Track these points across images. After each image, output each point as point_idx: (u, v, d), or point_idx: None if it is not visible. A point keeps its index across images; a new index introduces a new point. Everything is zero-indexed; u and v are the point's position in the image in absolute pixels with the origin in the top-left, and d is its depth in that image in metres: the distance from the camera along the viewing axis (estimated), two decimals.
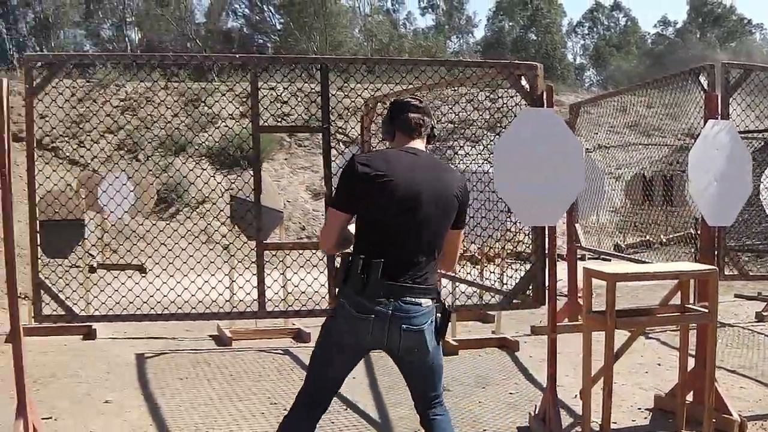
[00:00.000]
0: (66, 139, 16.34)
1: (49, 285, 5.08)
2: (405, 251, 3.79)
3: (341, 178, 3.86)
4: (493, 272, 7.71)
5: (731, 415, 5.45)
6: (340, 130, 18.52)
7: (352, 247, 3.91)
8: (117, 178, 6.89)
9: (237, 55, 5.02)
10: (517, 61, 5.32)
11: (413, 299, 3.78)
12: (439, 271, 4.12)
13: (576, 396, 6.19)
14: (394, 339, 3.78)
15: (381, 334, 3.76)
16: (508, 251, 8.17)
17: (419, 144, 3.99)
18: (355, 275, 3.75)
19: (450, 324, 8.01)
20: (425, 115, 4.01)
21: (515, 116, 5.91)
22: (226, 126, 14.89)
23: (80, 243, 8.87)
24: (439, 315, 3.92)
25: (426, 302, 3.83)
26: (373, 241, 3.81)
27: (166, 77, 18.65)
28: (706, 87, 5.55)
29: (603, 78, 53.05)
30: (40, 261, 5.16)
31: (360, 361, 4.07)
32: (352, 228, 3.97)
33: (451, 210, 3.92)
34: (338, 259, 4.01)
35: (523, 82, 5.22)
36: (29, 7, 52.42)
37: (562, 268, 5.98)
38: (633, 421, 5.75)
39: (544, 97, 5.13)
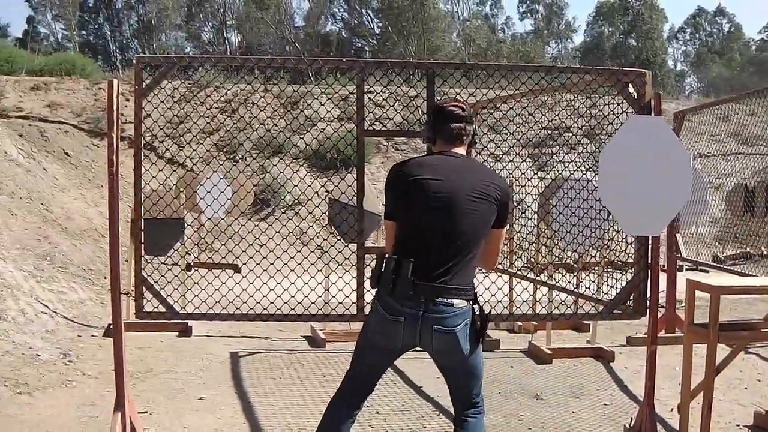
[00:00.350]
0: (165, 139, 16.77)
1: (152, 282, 5.19)
2: (438, 252, 3.80)
3: (385, 188, 4.02)
4: (593, 281, 7.60)
5: None
6: None
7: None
8: (211, 178, 7.02)
9: (344, 59, 5.07)
10: (625, 68, 5.24)
11: (445, 300, 3.77)
12: (479, 271, 4.10)
13: (672, 410, 6.07)
14: (425, 340, 3.81)
15: (413, 336, 3.81)
16: (607, 260, 8.06)
17: (461, 150, 4.02)
18: (387, 276, 3.80)
19: (546, 333, 8.05)
20: (467, 124, 4.04)
21: (611, 124, 5.85)
22: (323, 129, 15.05)
23: (181, 241, 9.09)
24: (477, 317, 3.91)
25: (459, 303, 3.81)
26: (407, 242, 3.85)
27: (265, 79, 18.95)
28: None
29: (704, 85, 51.88)
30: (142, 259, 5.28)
31: (398, 358, 4.13)
32: None
33: (489, 210, 3.90)
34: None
35: (631, 89, 5.14)
36: (133, 10, 53.94)
37: (661, 279, 5.88)
38: None
39: (652, 104, 5.05)
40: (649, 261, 5.16)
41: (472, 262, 3.92)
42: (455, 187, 3.81)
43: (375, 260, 3.95)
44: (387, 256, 3.88)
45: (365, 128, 5.05)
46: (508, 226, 4.13)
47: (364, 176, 5.26)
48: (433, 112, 4.13)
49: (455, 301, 3.79)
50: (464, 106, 4.08)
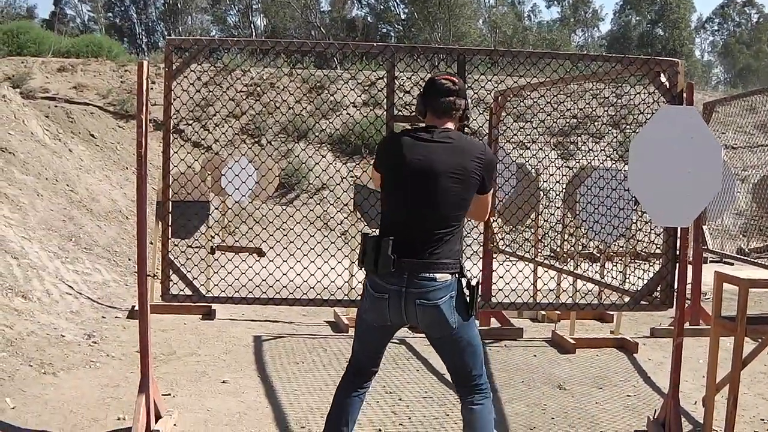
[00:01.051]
0: (190, 122, 16.80)
1: (178, 265, 5.20)
2: (418, 227, 3.85)
3: (378, 149, 4.17)
4: (620, 272, 7.56)
5: None
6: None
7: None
8: (237, 162, 7.03)
9: (374, 44, 5.04)
10: (657, 57, 5.19)
11: (427, 274, 3.82)
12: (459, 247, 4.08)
13: (696, 402, 6.04)
14: (411, 315, 3.88)
15: (398, 312, 3.88)
16: (633, 251, 8.01)
17: (449, 125, 4.03)
18: (369, 254, 3.86)
19: (570, 322, 8.02)
20: (458, 98, 4.03)
21: (641, 113, 5.80)
22: (351, 114, 15.02)
23: (206, 225, 9.11)
24: (464, 290, 3.95)
25: (442, 277, 3.85)
26: (388, 219, 3.95)
27: (292, 64, 18.96)
28: None
29: (731, 76, 51.43)
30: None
31: (394, 336, 4.22)
32: None
33: (471, 180, 3.93)
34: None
35: (663, 78, 5.09)
36: None
37: (687, 271, 5.85)
38: None
39: (684, 95, 5.00)
40: (677, 252, 5.12)
41: (455, 236, 3.95)
42: (437, 163, 3.85)
43: (360, 241, 4.02)
44: (368, 235, 3.95)
45: (394, 114, 5.03)
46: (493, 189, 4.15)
47: None
48: (425, 85, 4.12)
49: (437, 275, 3.83)
50: (456, 80, 4.08)
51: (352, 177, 9.45)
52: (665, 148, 4.71)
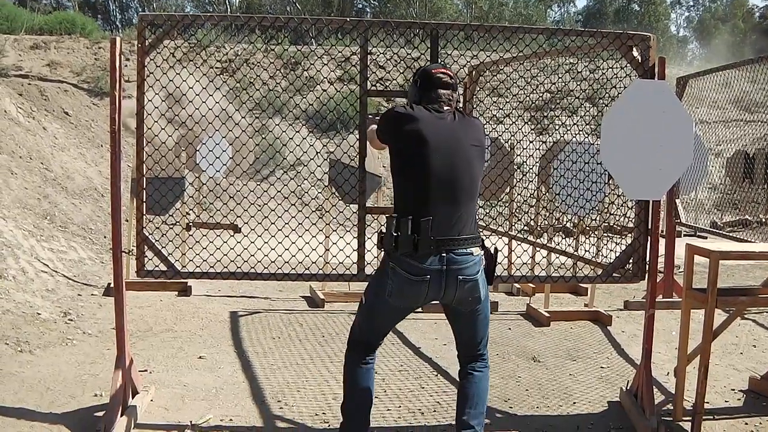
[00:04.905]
0: (166, 98, 16.60)
1: (153, 241, 5.19)
2: (450, 204, 3.88)
3: (392, 120, 4.02)
4: (593, 245, 7.63)
5: None
6: None
7: (395, 212, 3.97)
8: (211, 137, 6.98)
9: (348, 19, 5.03)
10: (629, 32, 5.20)
11: (464, 250, 3.88)
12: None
13: (668, 373, 6.12)
14: (449, 292, 3.90)
15: (437, 291, 3.89)
16: (606, 224, 8.08)
17: None
18: (405, 238, 3.84)
19: (544, 295, 8.09)
20: (453, 91, 4.08)
21: (614, 87, 5.83)
22: (324, 90, 14.99)
23: (182, 201, 9.08)
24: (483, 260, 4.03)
25: (476, 251, 3.95)
26: (418, 199, 3.89)
27: (266, 40, 18.84)
28: None
29: (706, 51, 51.58)
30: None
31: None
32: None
33: (482, 154, 4.03)
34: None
35: (635, 53, 5.12)
36: None
37: (660, 244, 5.90)
38: (726, 402, 5.64)
39: (656, 69, 5.02)
40: (649, 226, 5.17)
41: (475, 209, 4.03)
42: (462, 141, 3.91)
43: (386, 222, 3.99)
44: (397, 217, 3.90)
45: (368, 89, 5.04)
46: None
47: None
48: (420, 77, 4.13)
49: (473, 250, 3.91)
50: (451, 74, 4.11)
51: (327, 153, 9.44)
52: (637, 122, 4.74)
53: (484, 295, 4.01)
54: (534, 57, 5.96)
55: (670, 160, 4.82)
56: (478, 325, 4.14)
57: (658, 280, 7.88)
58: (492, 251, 4.10)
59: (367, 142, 4.78)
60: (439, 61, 4.99)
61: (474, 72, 7.43)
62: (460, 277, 3.85)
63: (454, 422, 4.25)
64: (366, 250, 5.20)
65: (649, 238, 5.18)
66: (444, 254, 3.82)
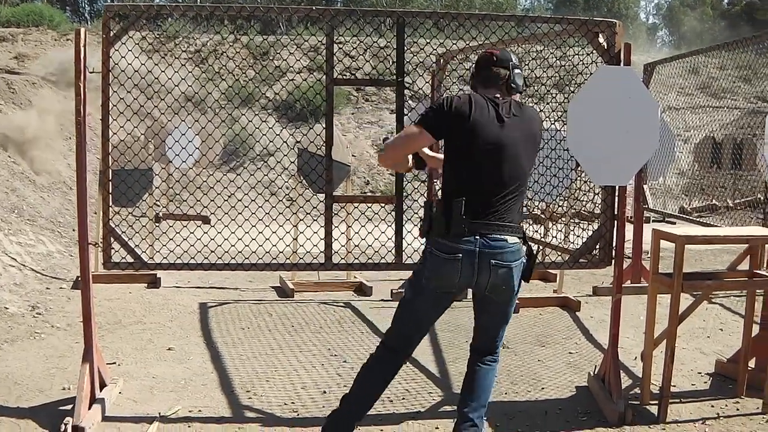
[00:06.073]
0: (132, 89, 16.45)
1: (119, 233, 5.16)
2: (490, 189, 3.87)
3: (435, 108, 3.95)
4: (560, 231, 7.66)
5: None
6: (406, 85, 18.40)
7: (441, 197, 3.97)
8: (177, 128, 6.95)
9: (314, 8, 5.01)
10: (595, 18, 5.22)
11: (498, 235, 3.85)
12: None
13: (636, 358, 6.18)
14: (483, 277, 3.87)
15: (470, 272, 3.85)
16: (574, 211, 8.12)
17: (498, 94, 4.02)
18: (438, 218, 3.86)
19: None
20: (501, 68, 4.03)
21: (581, 74, 5.85)
22: (292, 79, 14.94)
23: (149, 192, 9.02)
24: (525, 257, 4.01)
25: (513, 240, 3.91)
26: (458, 181, 3.90)
27: (235, 30, 18.75)
28: None
29: (675, 38, 51.89)
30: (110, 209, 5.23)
31: (445, 311, 4.15)
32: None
33: (536, 147, 4.08)
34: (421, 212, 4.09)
35: (601, 39, 5.13)
36: None
37: (627, 230, 5.95)
38: (693, 385, 5.70)
39: (622, 55, 5.04)
40: (616, 211, 5.20)
41: (521, 199, 4.02)
42: (516, 135, 3.90)
43: (423, 209, 4.03)
44: (436, 202, 3.95)
45: (334, 77, 5.03)
46: None
47: (334, 126, 5.25)
48: (475, 63, 4.19)
49: (509, 238, 3.88)
50: (495, 52, 4.12)
51: (294, 142, 9.42)
52: (603, 108, 4.77)
53: (517, 288, 4.00)
54: (501, 44, 5.96)
55: (636, 146, 4.85)
56: (504, 320, 4.16)
57: (625, 266, 7.96)
58: (533, 250, 4.10)
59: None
60: (406, 49, 5.00)
61: (441, 60, 7.43)
62: (493, 262, 3.83)
63: (422, 408, 4.24)
64: (333, 239, 5.20)
65: (615, 223, 5.22)
66: (477, 237, 3.81)
